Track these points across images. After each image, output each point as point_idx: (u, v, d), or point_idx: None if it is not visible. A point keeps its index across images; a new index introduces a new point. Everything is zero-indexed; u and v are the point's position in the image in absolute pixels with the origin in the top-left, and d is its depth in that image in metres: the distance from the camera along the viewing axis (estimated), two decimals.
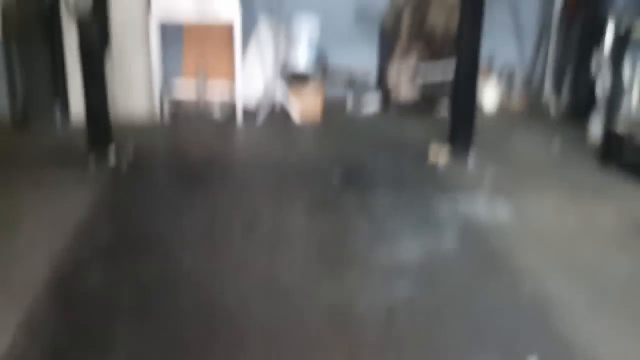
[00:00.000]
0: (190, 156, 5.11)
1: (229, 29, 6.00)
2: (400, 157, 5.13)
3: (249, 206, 4.07)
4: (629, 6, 5.52)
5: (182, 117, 6.18)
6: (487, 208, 4.04)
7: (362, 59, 6.66)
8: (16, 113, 5.71)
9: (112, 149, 4.82)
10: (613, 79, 5.49)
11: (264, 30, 6.35)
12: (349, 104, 6.55)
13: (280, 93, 6.28)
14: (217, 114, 6.27)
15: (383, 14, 6.62)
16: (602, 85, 5.67)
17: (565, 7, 6.33)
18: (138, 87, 6.01)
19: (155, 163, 4.99)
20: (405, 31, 6.37)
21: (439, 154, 4.97)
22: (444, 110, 6.17)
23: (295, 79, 6.31)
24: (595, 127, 5.58)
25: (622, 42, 5.27)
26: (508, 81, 6.84)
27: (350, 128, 6.11)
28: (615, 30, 5.37)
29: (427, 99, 6.42)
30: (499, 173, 4.69)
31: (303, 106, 6.20)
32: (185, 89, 6.35)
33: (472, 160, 4.91)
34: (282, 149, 5.40)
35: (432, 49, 6.44)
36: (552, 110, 6.42)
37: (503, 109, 6.66)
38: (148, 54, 5.92)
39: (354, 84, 6.57)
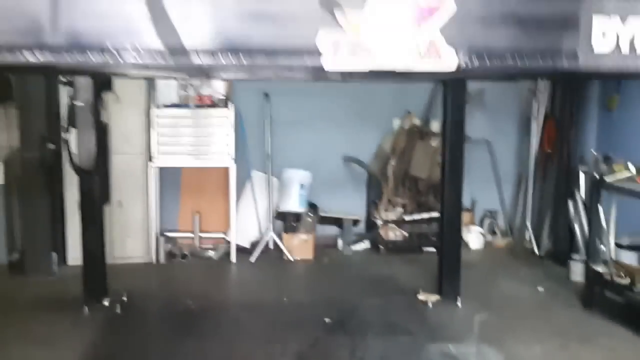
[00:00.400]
0: (184, 298, 5.18)
1: (224, 173, 6.31)
2: (390, 299, 5.21)
3: (239, 353, 4.12)
4: (599, 153, 5.90)
5: (178, 257, 6.32)
6: (477, 358, 4.10)
7: (352, 201, 6.94)
8: (13, 258, 5.82)
9: (107, 293, 4.90)
10: (590, 222, 5.73)
11: (257, 179, 6.66)
12: (340, 244, 6.74)
13: (274, 233, 6.48)
14: (212, 253, 6.42)
15: (370, 160, 6.98)
16: (580, 227, 5.92)
17: (540, 156, 6.73)
18: (135, 230, 6.18)
19: (150, 306, 5.05)
20: (391, 177, 6.71)
21: (429, 298, 5.08)
22: (430, 248, 6.36)
23: (288, 220, 6.53)
24: (577, 268, 5.75)
25: (595, 187, 5.57)
26: (491, 224, 7.12)
27: (341, 267, 6.25)
28: (588, 177, 5.68)
29: (414, 238, 6.63)
30: (488, 317, 4.77)
31: (295, 245, 6.37)
32: (182, 230, 6.58)
33: (460, 304, 5.01)
34: (274, 289, 5.49)
35: (417, 194, 6.76)
36: (535, 252, 6.62)
37: (488, 249, 6.86)
38: (146, 197, 6.16)
39: (344, 225, 6.79)
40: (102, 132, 5.20)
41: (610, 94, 6.35)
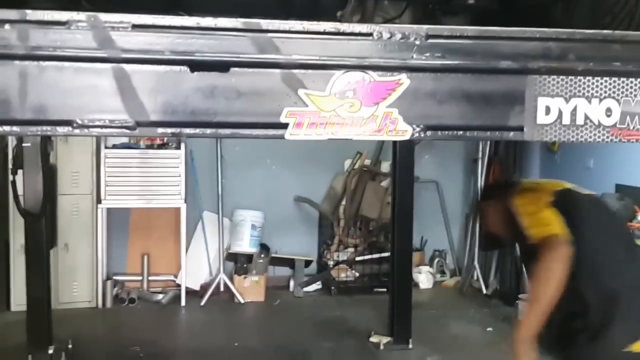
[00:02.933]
0: (132, 345, 5.07)
1: (175, 213, 6.26)
2: (342, 341, 5.23)
3: None
4: None
5: (126, 302, 6.19)
6: None
7: (304, 242, 6.96)
8: None
9: (52, 341, 4.76)
10: None
11: (208, 219, 6.63)
12: (292, 285, 6.73)
13: (225, 274, 6.43)
14: (161, 296, 6.31)
15: (322, 201, 7.05)
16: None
17: None
18: (82, 274, 6.04)
19: (96, 354, 4.92)
20: (342, 218, 6.79)
21: (380, 340, 5.11)
22: (382, 289, 6.42)
23: (239, 261, 6.50)
24: (524, 307, 5.90)
25: None
26: (440, 264, 7.26)
27: (292, 309, 6.23)
28: None
29: (365, 279, 6.69)
30: (439, 359, 4.83)
31: (247, 287, 6.33)
32: (130, 273, 6.45)
33: (412, 345, 5.06)
34: (225, 334, 5.43)
35: (368, 234, 6.84)
36: (483, 291, 6.76)
37: (438, 289, 6.97)
38: (93, 239, 6.04)
39: (296, 266, 6.80)
40: (49, 174, 5.10)
41: None
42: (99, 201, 6.01)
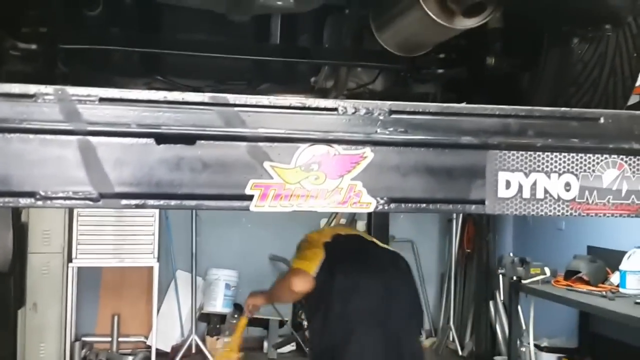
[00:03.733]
0: None
1: (147, 272, 6.16)
2: None
3: None
4: (516, 255, 6.14)
5: None
6: None
7: (278, 304, 6.87)
8: None
9: None
10: (510, 323, 5.89)
11: (181, 278, 6.54)
12: (265, 346, 6.61)
13: (197, 335, 6.30)
14: (131, 358, 6.15)
15: None
16: (501, 329, 6.07)
17: (461, 257, 6.94)
18: (50, 334, 5.88)
19: None
20: None
21: None
22: None
23: (212, 322, 6.39)
24: None
25: (514, 290, 5.75)
26: None
27: None
28: (506, 279, 5.88)
29: None
30: None
31: (219, 349, 6.20)
32: (100, 333, 6.28)
33: None
34: None
35: None
36: (459, 352, 6.70)
37: None
38: (63, 299, 5.90)
39: (270, 326, 6.69)
40: (20, 232, 5.03)
41: None
42: (69, 260, 5.90)
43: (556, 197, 1.18)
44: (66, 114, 1.04)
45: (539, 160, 1.17)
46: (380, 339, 2.80)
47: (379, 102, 1.13)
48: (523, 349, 5.59)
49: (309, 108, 1.11)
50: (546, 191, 1.17)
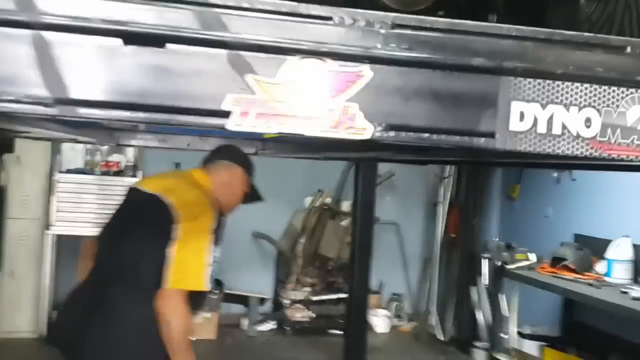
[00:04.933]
0: None
1: None
2: None
3: None
4: (501, 241, 6.05)
5: None
6: None
7: (259, 279, 6.74)
8: None
9: None
10: (492, 308, 5.80)
11: None
12: (245, 323, 6.47)
13: None
14: None
15: (280, 238, 6.85)
16: (483, 315, 5.97)
17: (445, 241, 6.83)
18: (27, 302, 5.70)
19: None
20: (300, 257, 6.60)
21: None
22: (337, 330, 6.21)
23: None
24: (479, 356, 5.75)
25: (497, 275, 5.66)
26: (397, 308, 7.08)
27: (244, 348, 5.97)
28: (491, 264, 5.79)
29: (321, 320, 6.47)
30: None
31: (197, 323, 6.04)
32: None
33: None
34: None
35: (326, 274, 6.66)
36: (440, 337, 6.60)
37: (394, 333, 6.79)
38: (40, 268, 5.72)
39: (250, 304, 6.55)
40: None
41: (511, 183, 6.60)
42: (47, 227, 5.71)
43: (575, 134, 1.03)
44: (19, 3, 0.87)
45: (557, 91, 1.03)
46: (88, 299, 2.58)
47: (380, 13, 0.98)
48: (505, 336, 5.50)
49: (300, 15, 0.95)
50: (564, 126, 1.03)
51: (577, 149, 1.04)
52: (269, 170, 6.77)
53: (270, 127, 0.95)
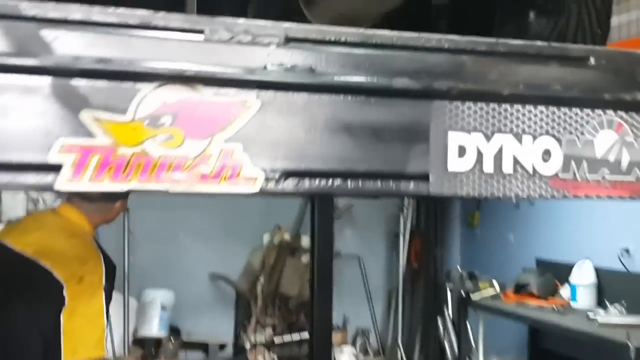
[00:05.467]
0: None
1: None
2: None
3: None
4: (464, 270, 5.84)
5: None
6: None
7: (219, 323, 6.36)
8: None
9: None
10: (458, 339, 5.55)
11: (113, 300, 5.95)
12: None
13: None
14: None
15: (239, 278, 6.51)
16: (450, 346, 5.71)
17: (408, 272, 6.59)
18: None
19: None
20: (260, 296, 6.26)
21: None
22: None
23: (147, 347, 5.83)
24: None
25: (462, 305, 5.44)
26: (363, 343, 6.77)
27: None
28: (455, 294, 5.56)
29: None
30: None
31: None
32: None
33: None
34: None
35: (287, 313, 6.32)
36: None
37: None
38: None
39: (210, 350, 6.17)
40: None
41: (471, 210, 6.41)
42: None
43: (531, 171, 0.79)
44: None
45: (505, 117, 0.78)
46: None
47: (268, 24, 0.72)
48: None
49: (157, 28, 0.69)
50: (516, 161, 0.78)
51: (534, 190, 0.79)
52: (224, 208, 6.49)
53: (121, 184, 0.67)
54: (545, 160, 0.79)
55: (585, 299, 4.77)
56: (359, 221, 6.78)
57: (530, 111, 0.79)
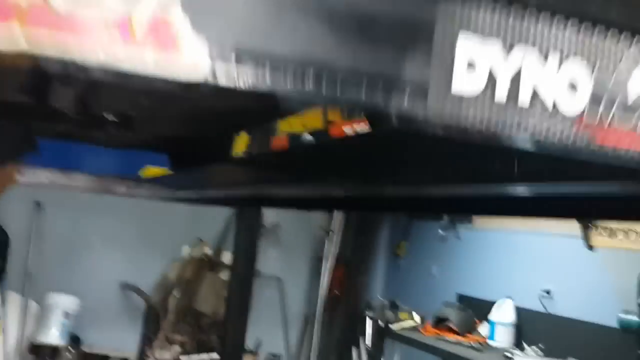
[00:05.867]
0: None
1: None
2: None
3: None
4: (386, 299, 5.69)
5: None
6: None
7: (124, 336, 5.89)
8: None
9: None
10: None
11: (12, 302, 5.43)
12: None
13: None
14: None
15: (152, 290, 6.10)
16: None
17: (329, 299, 6.37)
18: None
19: None
20: (172, 311, 5.87)
21: None
22: None
23: (41, 355, 5.32)
24: None
25: (380, 335, 5.28)
26: None
27: None
28: (374, 323, 5.39)
29: None
30: None
31: None
32: None
33: None
34: None
35: (198, 331, 5.95)
36: None
37: None
38: None
39: None
40: None
41: (398, 239, 6.30)
42: None
43: (551, 108, 0.60)
44: None
45: (530, 24, 0.60)
46: None
47: None
48: None
49: None
50: (536, 92, 0.60)
51: (554, 132, 0.61)
52: (145, 215, 6.08)
53: (34, 44, 0.44)
54: (571, 92, 0.61)
55: (503, 338, 4.69)
56: (284, 242, 6.54)
57: (558, 28, 0.60)
